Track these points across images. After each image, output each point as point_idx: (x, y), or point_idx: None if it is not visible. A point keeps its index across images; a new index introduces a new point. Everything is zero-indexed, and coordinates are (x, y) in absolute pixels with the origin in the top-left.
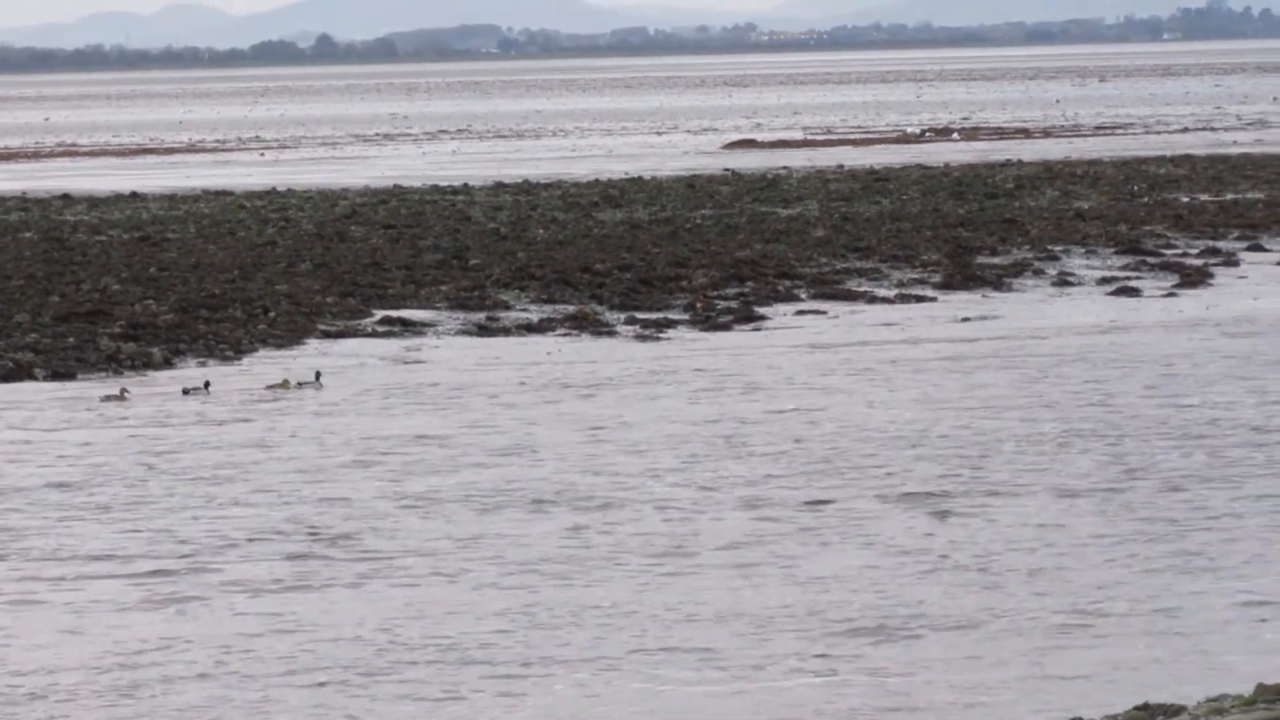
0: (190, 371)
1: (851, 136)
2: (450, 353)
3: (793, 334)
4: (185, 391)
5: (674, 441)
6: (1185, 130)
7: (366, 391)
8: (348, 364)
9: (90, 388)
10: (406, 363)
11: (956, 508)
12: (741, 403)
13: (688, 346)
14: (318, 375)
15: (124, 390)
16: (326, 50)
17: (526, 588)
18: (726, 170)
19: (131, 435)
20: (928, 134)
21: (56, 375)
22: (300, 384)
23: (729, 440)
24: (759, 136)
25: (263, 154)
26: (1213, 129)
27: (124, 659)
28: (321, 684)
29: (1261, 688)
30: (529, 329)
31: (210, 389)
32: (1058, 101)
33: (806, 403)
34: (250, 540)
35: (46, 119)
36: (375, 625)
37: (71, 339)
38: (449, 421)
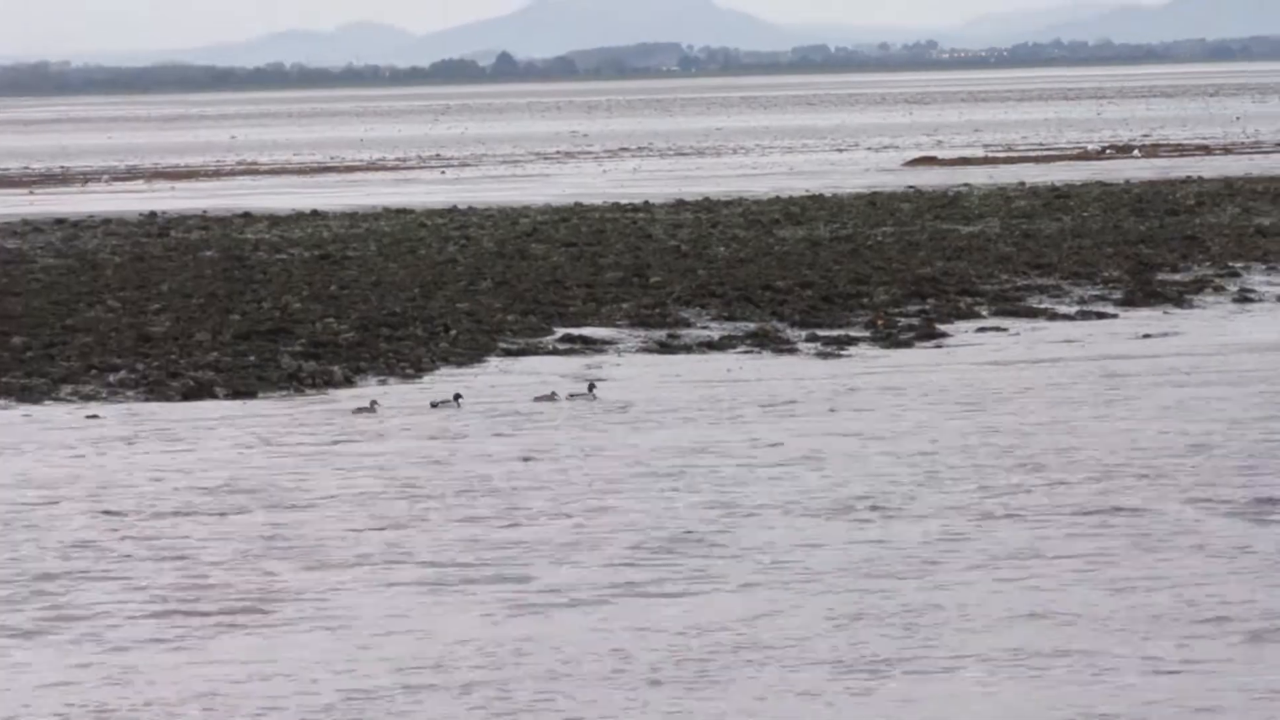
0: (441, 385)
1: (1032, 154)
2: (632, 370)
3: (975, 351)
4: (433, 405)
5: (955, 452)
6: None
7: (628, 404)
8: (612, 375)
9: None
10: (668, 378)
11: None
12: (989, 416)
13: (872, 364)
14: (591, 386)
15: (374, 402)
16: (506, 68)
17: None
18: (908, 187)
19: (419, 445)
20: (1109, 151)
21: (237, 394)
22: (571, 396)
23: (1008, 451)
24: (940, 154)
25: (443, 172)
26: None
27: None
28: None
29: None
30: (710, 346)
31: (460, 402)
32: (1238, 118)
33: (1047, 416)
34: (632, 544)
35: (233, 137)
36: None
37: (252, 357)
38: (723, 433)
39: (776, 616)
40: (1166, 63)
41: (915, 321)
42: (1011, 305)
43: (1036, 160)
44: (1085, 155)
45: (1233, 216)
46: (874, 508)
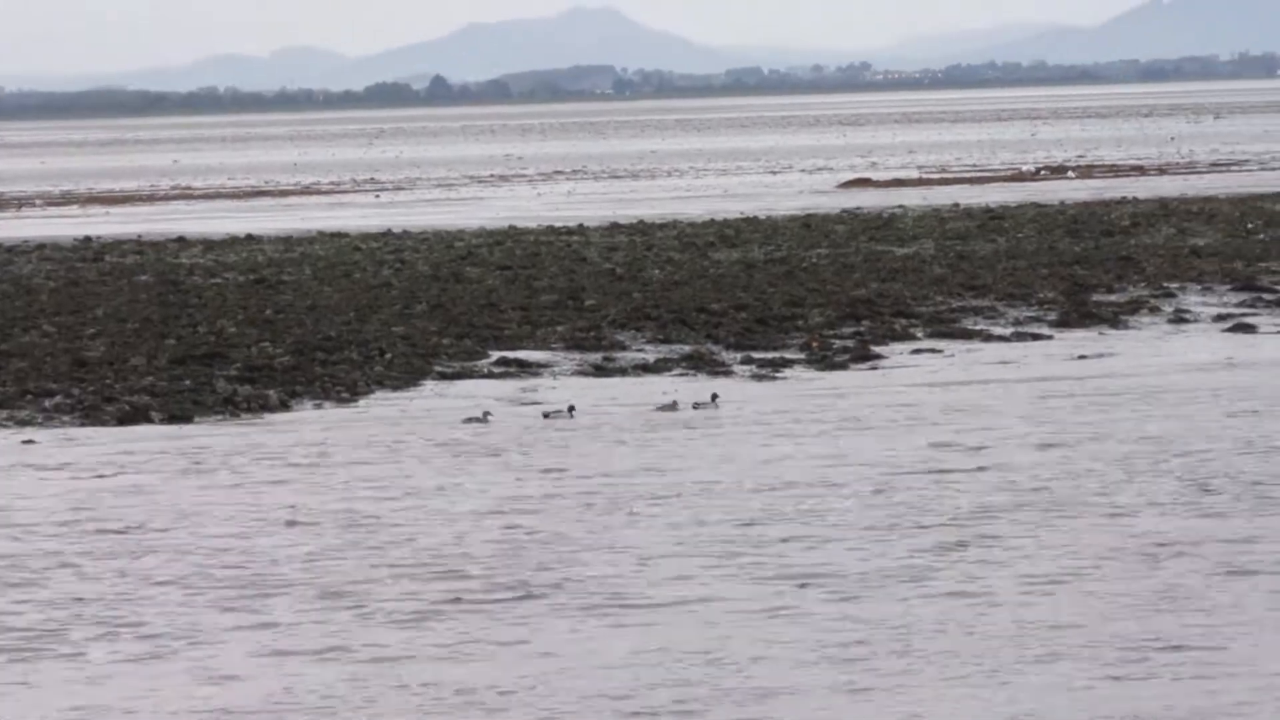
0: (378, 409)
1: (967, 175)
2: (567, 393)
3: (911, 373)
4: (546, 415)
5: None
6: None
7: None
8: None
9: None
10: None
11: None
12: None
13: (809, 386)
14: (714, 397)
15: (487, 413)
16: (440, 92)
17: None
18: (842, 209)
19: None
20: (1043, 172)
21: (173, 418)
22: (696, 405)
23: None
24: (874, 175)
25: (378, 195)
26: None
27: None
28: None
29: None
30: (645, 369)
31: (574, 413)
32: (1172, 139)
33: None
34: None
35: (175, 161)
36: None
37: (188, 382)
38: (805, 449)
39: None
40: (1101, 83)
41: (850, 344)
42: (946, 327)
43: (971, 181)
44: (1020, 176)
45: (1168, 237)
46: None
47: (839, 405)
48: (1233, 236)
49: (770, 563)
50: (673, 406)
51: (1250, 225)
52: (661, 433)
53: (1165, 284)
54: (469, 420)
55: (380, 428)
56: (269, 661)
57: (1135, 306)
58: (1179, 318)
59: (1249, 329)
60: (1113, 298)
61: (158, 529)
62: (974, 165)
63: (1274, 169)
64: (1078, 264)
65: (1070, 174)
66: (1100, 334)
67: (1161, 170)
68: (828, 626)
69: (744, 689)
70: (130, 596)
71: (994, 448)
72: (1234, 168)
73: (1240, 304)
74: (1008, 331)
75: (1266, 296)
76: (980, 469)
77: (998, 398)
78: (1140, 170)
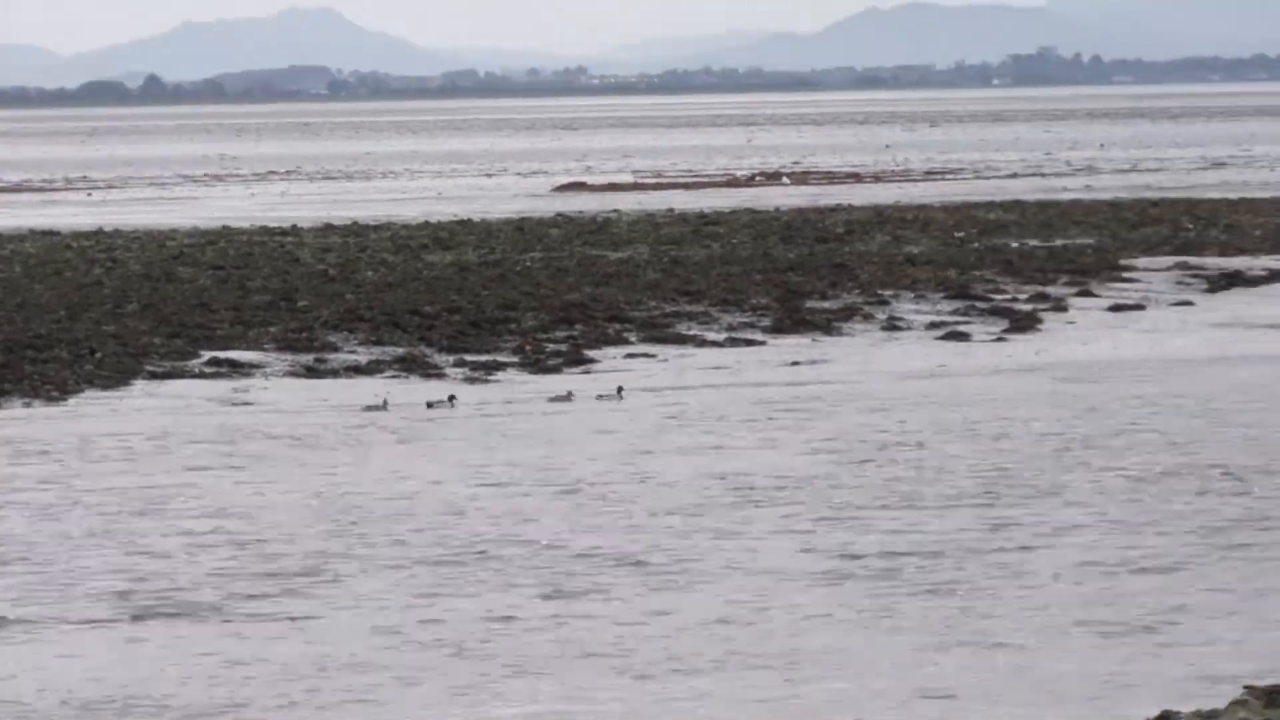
0: (87, 408)
1: (682, 180)
2: (278, 394)
3: (623, 377)
4: (430, 405)
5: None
6: (1015, 176)
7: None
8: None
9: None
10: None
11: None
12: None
13: (522, 389)
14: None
15: (386, 401)
16: (155, 91)
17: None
18: (557, 213)
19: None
20: (758, 178)
21: None
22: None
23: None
24: (589, 180)
25: (90, 194)
26: (1042, 175)
27: None
28: None
29: None
30: (357, 371)
31: (454, 402)
32: (888, 146)
33: (696, 441)
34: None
35: None
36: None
37: None
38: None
39: None
40: (818, 90)
41: (564, 347)
42: (660, 332)
43: (686, 187)
44: (735, 182)
45: (882, 245)
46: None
47: (550, 410)
48: (946, 245)
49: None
50: (383, 406)
51: (960, 234)
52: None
53: (879, 291)
54: (369, 408)
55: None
56: None
57: (849, 313)
58: (892, 325)
59: (962, 337)
60: (826, 305)
61: None
62: (689, 171)
63: (988, 178)
64: (792, 270)
65: (785, 180)
66: (814, 341)
67: (877, 178)
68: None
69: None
70: None
71: (716, 451)
72: (948, 176)
73: (953, 312)
74: (721, 337)
75: (979, 305)
76: (695, 473)
77: (708, 403)
78: (856, 178)
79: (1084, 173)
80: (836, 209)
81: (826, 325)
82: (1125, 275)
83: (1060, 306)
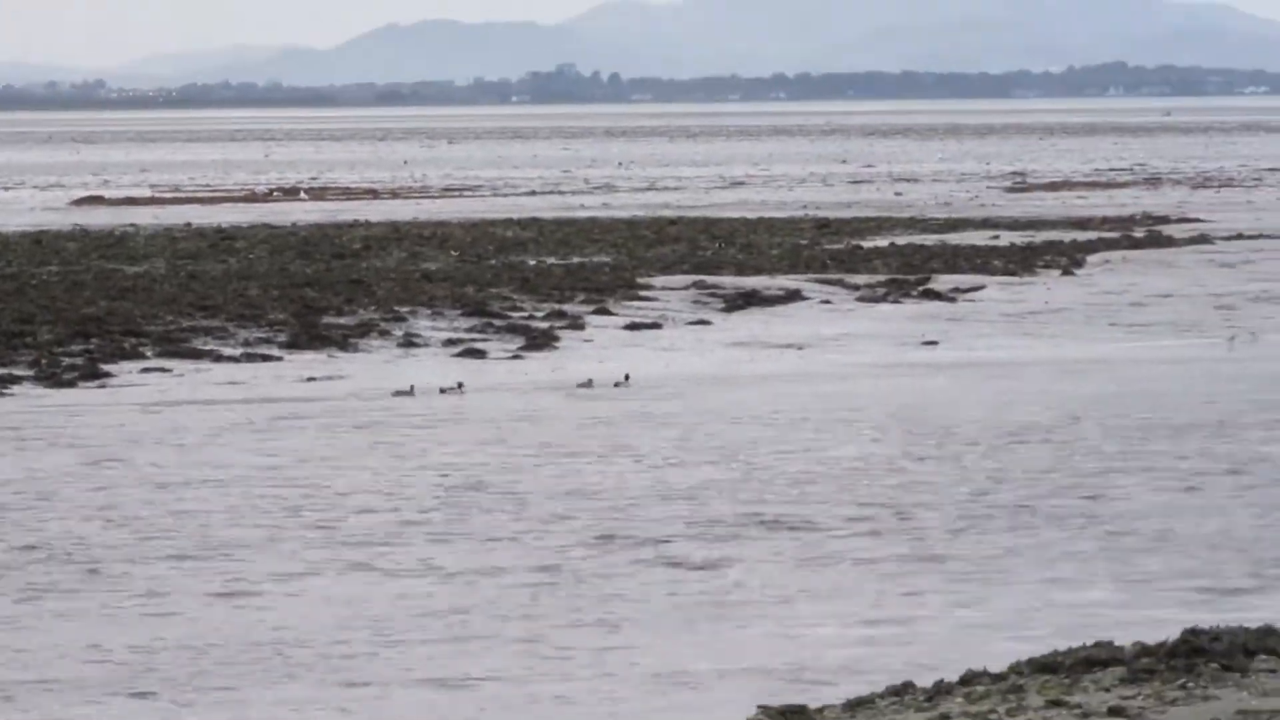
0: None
1: (200, 195)
2: None
3: (138, 391)
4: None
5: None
6: (533, 193)
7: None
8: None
9: None
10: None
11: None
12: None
13: (39, 403)
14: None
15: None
16: None
17: None
18: (74, 226)
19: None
20: (275, 193)
21: None
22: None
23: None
24: (107, 194)
25: None
26: (560, 193)
27: None
28: None
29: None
30: None
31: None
32: (406, 163)
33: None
34: None
35: None
36: None
37: None
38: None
39: None
40: (337, 106)
41: (79, 361)
42: (176, 346)
43: (204, 202)
44: (253, 197)
45: (399, 261)
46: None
47: (68, 424)
48: (464, 261)
49: None
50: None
51: (478, 252)
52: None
53: (396, 308)
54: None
55: None
56: None
57: (365, 329)
58: (409, 341)
59: (479, 354)
60: (343, 320)
61: None
62: (207, 185)
63: (506, 195)
64: (309, 286)
65: (303, 196)
66: (330, 356)
67: (394, 194)
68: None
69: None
70: None
71: (226, 468)
72: (466, 193)
73: (470, 329)
74: (238, 352)
75: (496, 322)
76: (210, 484)
77: (224, 418)
78: (373, 194)
79: (602, 191)
80: (354, 225)
81: (343, 341)
82: (642, 294)
83: (577, 324)
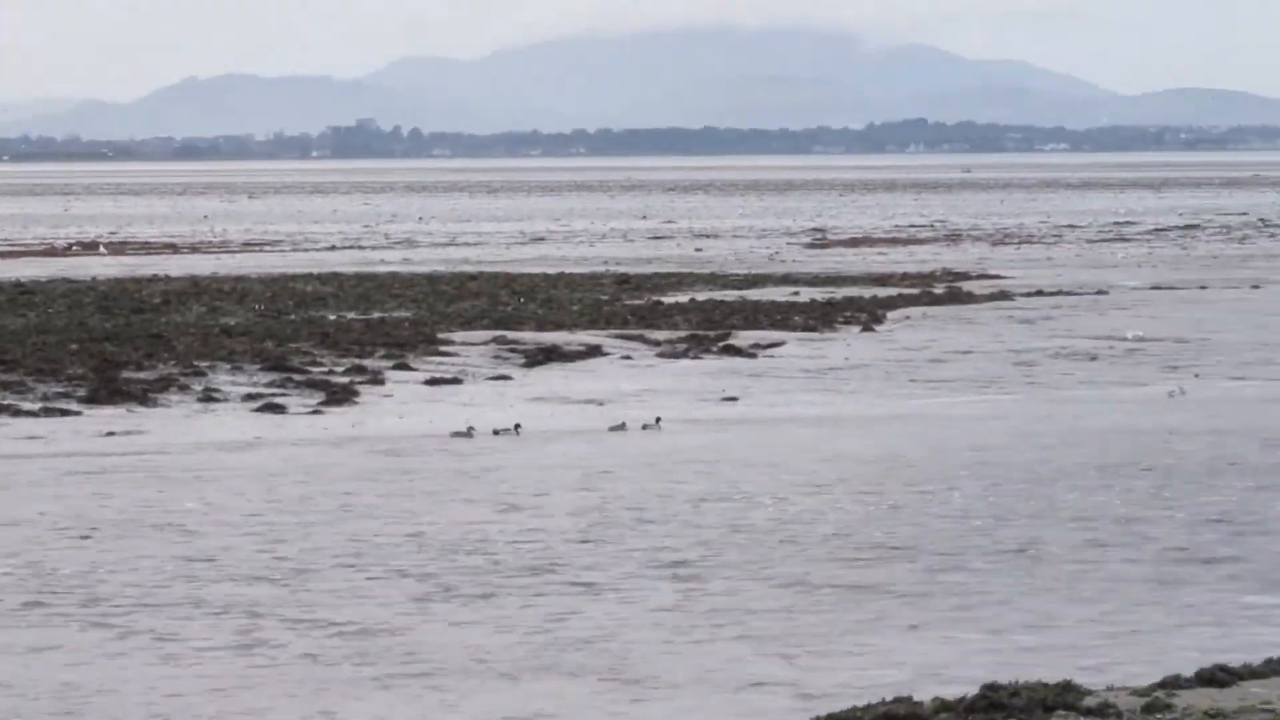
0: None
1: None
2: None
3: None
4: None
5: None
6: (334, 248)
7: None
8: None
9: None
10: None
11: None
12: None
13: None
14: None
15: (470, 429)
16: None
17: None
18: None
19: None
20: (75, 247)
21: None
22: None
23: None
24: None
25: None
26: (360, 247)
27: None
28: None
29: None
30: None
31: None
32: (206, 217)
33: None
34: None
35: None
36: None
37: None
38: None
39: None
40: (137, 160)
41: None
42: None
43: (2, 256)
44: (52, 251)
45: (199, 315)
46: None
47: None
48: (264, 316)
49: None
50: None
51: (258, 306)
52: None
53: (196, 362)
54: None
55: None
56: None
57: (166, 384)
58: (209, 396)
59: (278, 409)
60: (143, 375)
61: None
62: (6, 239)
63: (306, 249)
64: (108, 340)
65: (103, 250)
66: (129, 411)
67: (194, 248)
68: None
69: None
70: None
71: (24, 527)
72: (267, 248)
73: (270, 384)
74: (36, 407)
75: (296, 377)
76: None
77: (26, 473)
78: (174, 248)
79: (402, 246)
80: (154, 279)
81: (143, 396)
82: (443, 349)
83: (378, 379)
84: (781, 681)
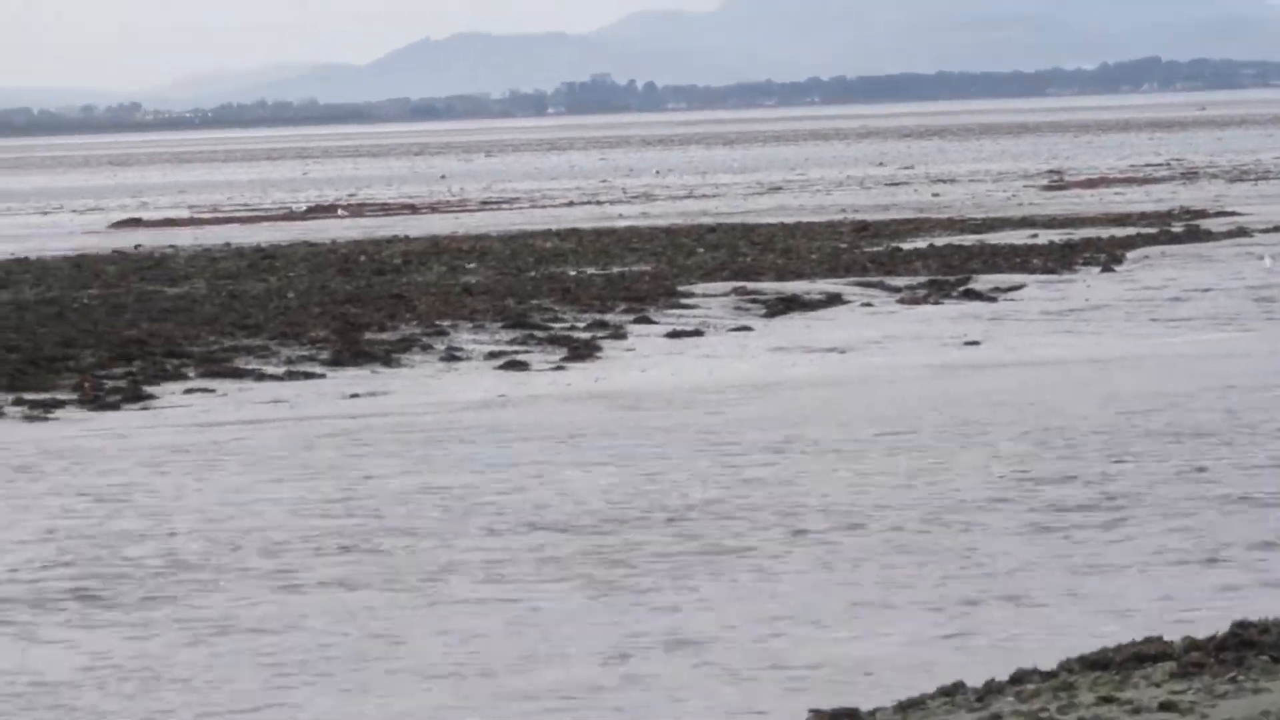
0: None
1: (238, 214)
2: None
3: (182, 413)
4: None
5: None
6: (571, 204)
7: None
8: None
9: None
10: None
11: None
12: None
13: (84, 426)
14: None
15: None
16: None
17: None
18: (114, 250)
19: None
20: (314, 210)
21: None
22: None
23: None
24: (145, 215)
25: None
26: (598, 203)
27: None
28: None
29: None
30: None
31: None
32: (443, 177)
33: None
34: None
35: None
36: None
37: None
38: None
39: None
40: (372, 122)
41: (122, 384)
42: (219, 366)
43: (242, 221)
44: (291, 215)
45: (439, 275)
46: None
47: (120, 445)
48: (504, 274)
49: None
50: None
51: (519, 264)
52: None
53: (437, 321)
54: None
55: None
56: None
57: (408, 345)
58: (451, 355)
59: (521, 366)
60: (385, 336)
61: None
62: (245, 205)
63: (544, 207)
64: (349, 303)
65: (341, 212)
66: (373, 372)
67: (433, 209)
68: None
69: None
70: None
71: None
72: (505, 206)
73: (512, 341)
74: (280, 370)
75: (538, 334)
76: (277, 502)
77: (268, 437)
78: (411, 209)
79: (640, 200)
80: (393, 240)
81: (386, 357)
82: (683, 301)
83: (619, 334)
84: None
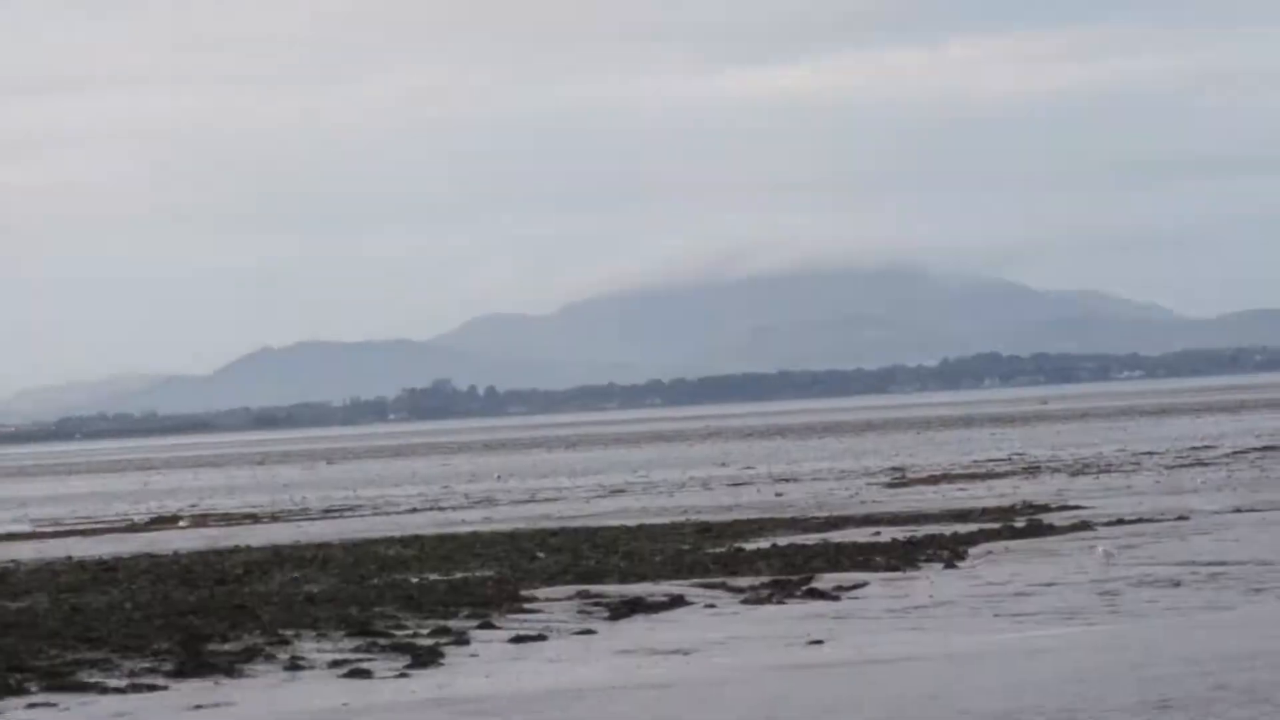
0: None
1: (80, 527)
2: None
3: None
4: None
5: None
6: (414, 510)
7: None
8: None
9: None
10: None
11: None
12: None
13: None
14: None
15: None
16: None
17: None
18: None
19: None
20: (155, 522)
21: None
22: None
23: None
24: None
25: None
26: (440, 509)
27: None
28: None
29: None
30: None
31: None
32: (286, 485)
33: None
34: None
35: None
36: None
37: None
38: None
39: None
40: (214, 432)
41: None
42: (62, 680)
43: (84, 533)
44: (133, 527)
45: (282, 584)
46: None
47: None
48: (347, 582)
49: None
50: None
51: (361, 573)
52: None
53: (281, 631)
54: None
55: None
56: None
57: (251, 655)
58: (295, 665)
59: (365, 674)
60: (228, 646)
61: None
62: (88, 517)
63: (387, 513)
64: (192, 614)
65: (183, 523)
66: (216, 683)
67: (275, 517)
68: None
69: None
70: None
71: None
72: (347, 513)
73: (355, 649)
74: (124, 683)
75: (381, 641)
76: None
77: None
78: (254, 518)
79: (482, 505)
80: (235, 550)
81: (229, 667)
82: (527, 606)
83: (462, 640)
84: None
